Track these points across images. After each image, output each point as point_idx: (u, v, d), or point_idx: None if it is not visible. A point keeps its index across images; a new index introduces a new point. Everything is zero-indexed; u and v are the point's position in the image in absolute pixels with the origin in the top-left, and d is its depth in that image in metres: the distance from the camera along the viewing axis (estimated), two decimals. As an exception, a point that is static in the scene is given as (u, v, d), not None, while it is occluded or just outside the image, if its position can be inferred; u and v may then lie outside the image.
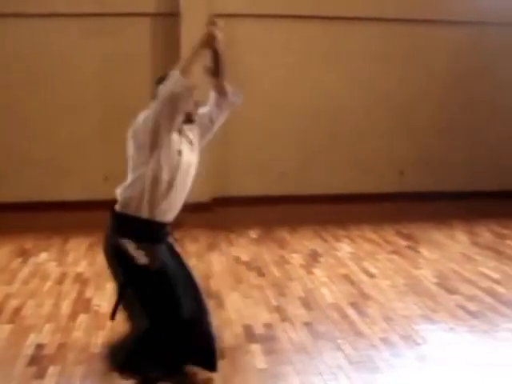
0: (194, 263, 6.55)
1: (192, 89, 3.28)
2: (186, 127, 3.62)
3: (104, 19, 8.92)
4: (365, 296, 5.64)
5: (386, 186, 9.80)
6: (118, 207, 3.50)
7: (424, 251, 7.08)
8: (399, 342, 4.66)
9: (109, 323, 4.79)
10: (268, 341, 4.68)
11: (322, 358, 4.42)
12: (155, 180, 3.37)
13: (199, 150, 3.75)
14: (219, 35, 3.49)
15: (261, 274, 6.27)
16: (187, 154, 3.54)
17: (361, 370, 4.23)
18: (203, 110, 3.80)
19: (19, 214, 8.62)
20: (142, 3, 9.10)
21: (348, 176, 9.70)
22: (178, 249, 3.80)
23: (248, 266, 6.54)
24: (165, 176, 3.39)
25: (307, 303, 5.46)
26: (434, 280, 6.10)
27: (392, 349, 4.56)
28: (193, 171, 3.63)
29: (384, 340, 4.69)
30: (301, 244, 7.35)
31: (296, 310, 5.29)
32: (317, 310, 5.32)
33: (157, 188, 3.39)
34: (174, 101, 3.25)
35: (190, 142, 3.64)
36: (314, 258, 6.81)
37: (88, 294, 5.69)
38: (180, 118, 3.37)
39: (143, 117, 3.38)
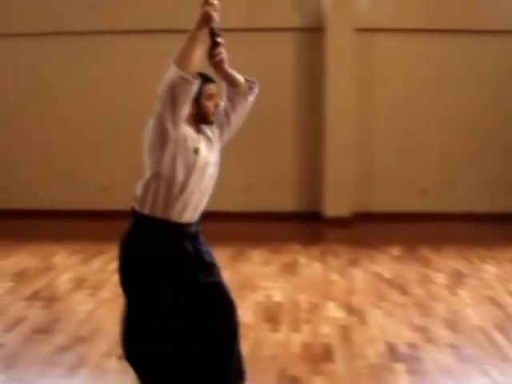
0: (335, 278, 6.61)
1: (189, 77, 3.16)
2: (204, 126, 3.50)
3: (248, 34, 9.12)
4: (513, 320, 5.46)
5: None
6: (136, 206, 3.45)
7: None
8: (551, 371, 4.47)
9: (252, 334, 4.90)
10: (412, 361, 4.61)
11: (468, 382, 4.30)
12: (170, 180, 3.32)
13: (220, 148, 3.60)
14: (215, 14, 3.25)
15: (404, 292, 6.19)
16: (204, 153, 3.42)
17: (510, 398, 4.11)
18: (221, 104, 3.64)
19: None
20: (285, 18, 9.24)
21: (490, 194, 9.41)
22: (209, 257, 3.58)
23: (390, 283, 6.48)
24: (180, 176, 3.33)
25: (452, 324, 5.33)
26: None
27: (543, 377, 4.38)
28: (212, 170, 3.48)
29: (535, 368, 4.52)
30: (444, 263, 7.20)
31: (440, 331, 5.18)
32: (462, 332, 5.19)
33: (171, 188, 3.33)
34: (171, 94, 3.17)
35: (209, 139, 3.51)
36: (458, 278, 6.65)
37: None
38: (183, 110, 3.23)
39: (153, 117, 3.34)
